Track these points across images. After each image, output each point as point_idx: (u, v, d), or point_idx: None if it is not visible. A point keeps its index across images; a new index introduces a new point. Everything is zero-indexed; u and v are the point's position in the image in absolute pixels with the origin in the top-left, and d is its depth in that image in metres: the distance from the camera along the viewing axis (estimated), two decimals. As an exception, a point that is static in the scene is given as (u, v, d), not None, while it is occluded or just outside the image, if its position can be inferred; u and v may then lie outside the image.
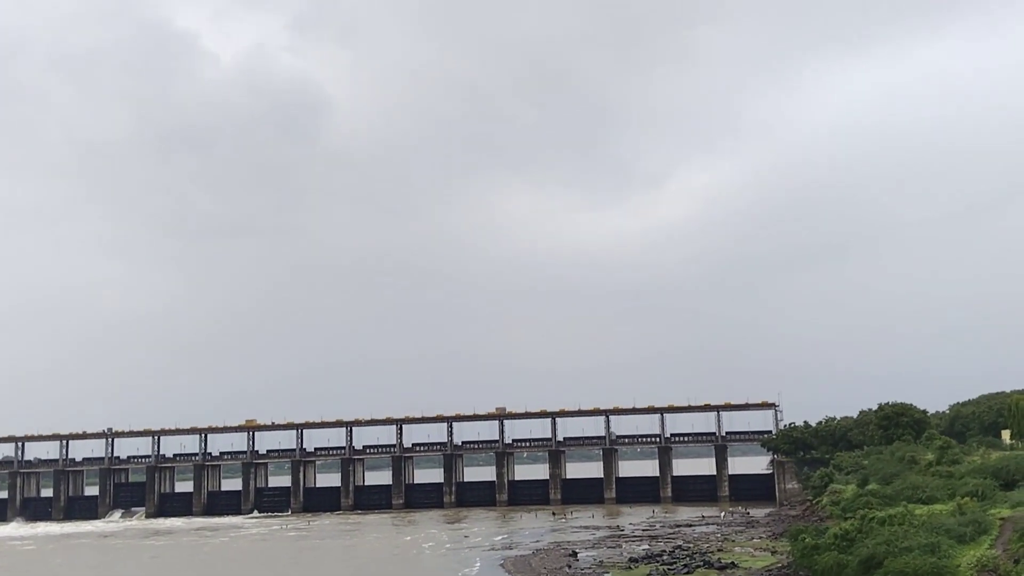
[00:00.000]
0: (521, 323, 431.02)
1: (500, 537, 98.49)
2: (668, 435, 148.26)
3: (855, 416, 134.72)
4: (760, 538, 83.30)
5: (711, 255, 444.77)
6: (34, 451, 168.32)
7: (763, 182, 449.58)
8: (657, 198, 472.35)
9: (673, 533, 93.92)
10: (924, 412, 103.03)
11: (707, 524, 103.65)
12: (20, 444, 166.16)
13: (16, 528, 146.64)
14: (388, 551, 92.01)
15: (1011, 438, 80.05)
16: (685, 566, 64.45)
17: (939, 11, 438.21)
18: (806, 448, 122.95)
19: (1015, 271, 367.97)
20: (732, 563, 63.41)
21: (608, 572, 66.16)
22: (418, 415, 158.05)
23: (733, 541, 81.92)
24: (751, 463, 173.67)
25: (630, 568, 67.33)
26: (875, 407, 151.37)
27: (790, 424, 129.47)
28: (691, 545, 79.49)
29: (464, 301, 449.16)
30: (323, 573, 78.20)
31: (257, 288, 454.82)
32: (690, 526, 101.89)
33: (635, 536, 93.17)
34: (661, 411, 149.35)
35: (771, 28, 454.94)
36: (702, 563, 65.42)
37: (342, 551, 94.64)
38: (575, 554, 78.11)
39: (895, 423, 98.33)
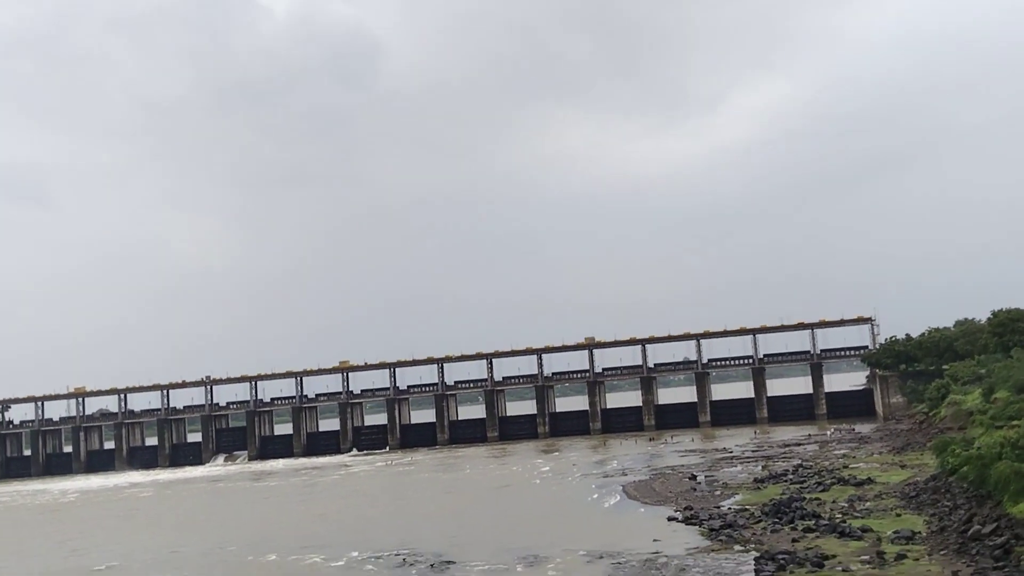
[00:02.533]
0: (589, 258, 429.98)
1: (612, 464, 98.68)
2: (761, 356, 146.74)
3: (950, 327, 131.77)
4: (879, 453, 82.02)
5: (774, 176, 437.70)
6: (135, 402, 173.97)
7: (821, 98, 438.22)
8: (714, 121, 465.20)
9: (785, 453, 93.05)
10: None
11: (815, 442, 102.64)
12: (123, 396, 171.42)
13: (129, 476, 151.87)
14: (503, 481, 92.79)
15: None
16: (818, 483, 63.62)
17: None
18: (909, 361, 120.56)
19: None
20: (869, 479, 62.35)
21: (737, 493, 65.61)
22: (507, 349, 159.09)
23: (853, 457, 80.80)
24: (844, 380, 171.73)
25: (759, 488, 66.68)
26: (963, 318, 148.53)
27: (891, 338, 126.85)
28: (811, 463, 78.58)
29: (526, 238, 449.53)
30: (457, 502, 79.09)
31: (319, 234, 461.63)
32: (799, 444, 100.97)
33: (746, 457, 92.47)
34: (753, 332, 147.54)
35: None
36: (833, 480, 64.47)
37: (462, 482, 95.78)
38: (694, 477, 77.79)
39: (1011, 329, 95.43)
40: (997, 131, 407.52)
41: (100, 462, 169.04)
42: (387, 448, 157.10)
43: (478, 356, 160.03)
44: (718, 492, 67.56)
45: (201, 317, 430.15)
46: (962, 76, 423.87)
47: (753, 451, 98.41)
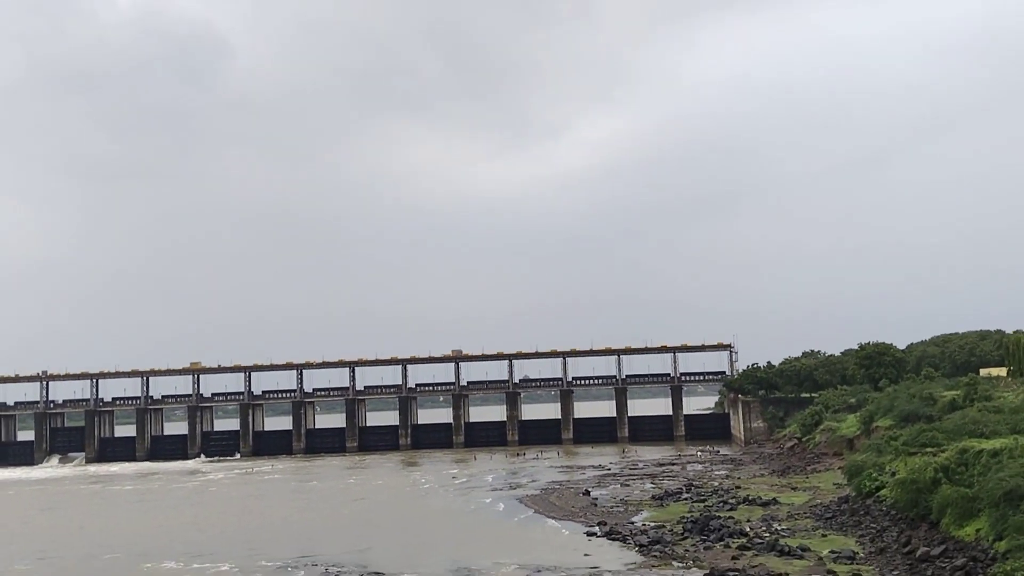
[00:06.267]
0: (429, 272, 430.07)
1: (487, 477, 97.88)
2: (624, 376, 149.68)
3: (799, 358, 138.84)
4: (761, 475, 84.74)
5: (609, 204, 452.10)
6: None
7: (660, 133, 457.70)
8: (555, 149, 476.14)
9: (664, 471, 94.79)
10: (903, 352, 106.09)
11: (685, 462, 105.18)
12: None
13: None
14: (385, 492, 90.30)
15: (1010, 376, 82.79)
16: (723, 502, 64.92)
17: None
18: (769, 387, 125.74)
19: (892, 223, 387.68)
20: (774, 499, 64.13)
21: (642, 509, 66.14)
22: (372, 357, 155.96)
23: (737, 478, 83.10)
24: (693, 403, 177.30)
25: (662, 505, 67.49)
26: (810, 350, 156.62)
27: (752, 365, 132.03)
28: (700, 483, 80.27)
29: (367, 249, 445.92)
30: (337, 516, 75.89)
31: (161, 232, 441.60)
32: (672, 464, 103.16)
33: (626, 475, 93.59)
34: (618, 352, 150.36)
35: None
36: (736, 500, 65.92)
37: (336, 492, 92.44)
38: (588, 492, 78.02)
39: (877, 362, 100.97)
40: (819, 182, 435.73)
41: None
42: (238, 455, 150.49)
43: (340, 364, 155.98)
44: (620, 508, 67.89)
45: (38, 311, 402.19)
46: (789, 127, 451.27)
47: (631, 469, 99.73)
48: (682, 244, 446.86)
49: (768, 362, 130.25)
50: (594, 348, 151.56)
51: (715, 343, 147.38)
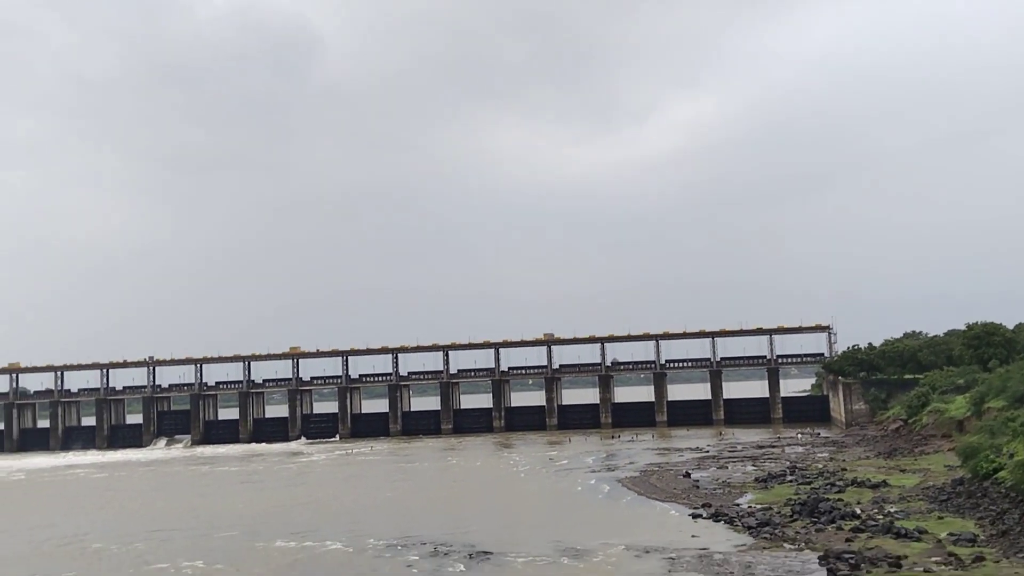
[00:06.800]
0: (520, 256, 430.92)
1: (590, 459, 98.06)
2: (719, 359, 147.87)
3: (900, 339, 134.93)
4: (866, 457, 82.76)
5: (699, 186, 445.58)
6: (72, 381, 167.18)
7: (749, 113, 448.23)
8: (642, 132, 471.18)
9: (764, 454, 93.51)
10: (1014, 332, 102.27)
11: (786, 444, 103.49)
12: (59, 373, 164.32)
13: (64, 458, 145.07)
14: (487, 473, 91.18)
15: None
16: (830, 484, 63.66)
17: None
18: (871, 369, 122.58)
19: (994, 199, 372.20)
20: (884, 481, 62.58)
21: (747, 492, 65.34)
22: (463, 341, 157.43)
23: (842, 460, 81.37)
24: (791, 387, 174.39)
25: (767, 487, 66.57)
26: (911, 331, 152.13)
27: (852, 346, 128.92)
28: (803, 465, 78.87)
29: (458, 234, 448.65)
30: (448, 494, 76.90)
31: (253, 219, 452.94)
32: (772, 447, 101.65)
33: (726, 457, 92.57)
34: (712, 335, 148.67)
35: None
36: (844, 482, 64.50)
37: (435, 473, 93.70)
38: (688, 475, 77.43)
39: (986, 342, 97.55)
40: (916, 158, 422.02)
41: (33, 441, 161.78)
42: (337, 437, 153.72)
43: (434, 348, 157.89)
44: (723, 491, 67.19)
45: (141, 298, 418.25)
46: (883, 103, 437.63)
47: (729, 452, 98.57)
48: (775, 224, 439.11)
49: (869, 343, 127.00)
50: (687, 331, 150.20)
51: (812, 324, 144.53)
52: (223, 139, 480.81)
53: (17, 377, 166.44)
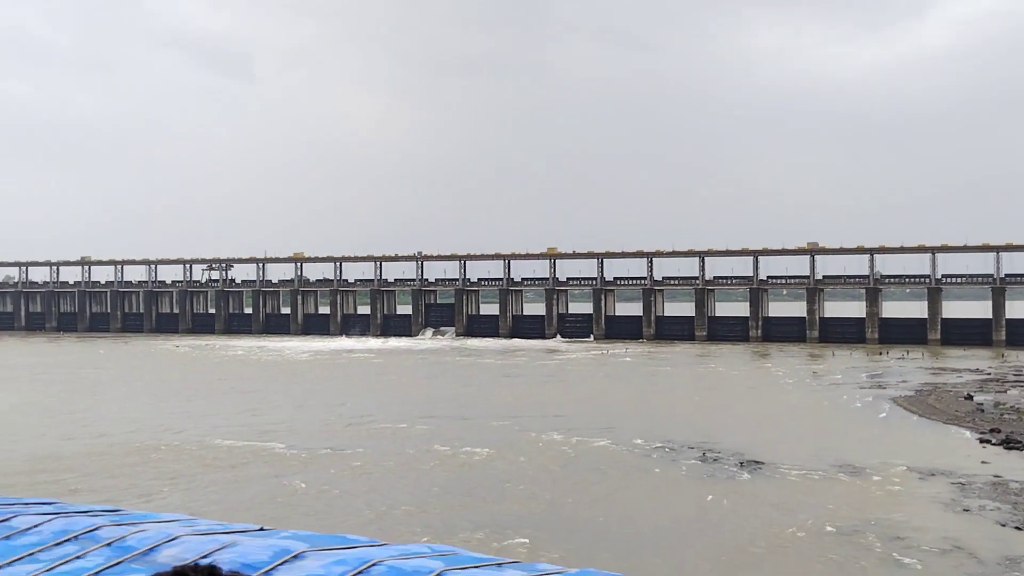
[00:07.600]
0: (783, 159, 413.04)
1: (861, 375, 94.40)
2: (1003, 275, 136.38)
3: None
4: None
5: (982, 88, 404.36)
6: (349, 271, 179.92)
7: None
8: (919, 28, 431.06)
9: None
10: None
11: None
12: (338, 264, 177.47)
13: (341, 342, 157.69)
14: (747, 383, 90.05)
15: None
16: None
17: None
18: None
19: None
20: None
21: (1042, 420, 60.51)
22: (721, 248, 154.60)
23: None
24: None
25: (1067, 417, 61.36)
26: None
27: None
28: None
29: (714, 136, 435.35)
30: (695, 402, 76.92)
31: (508, 120, 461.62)
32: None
33: (1014, 380, 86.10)
34: (996, 249, 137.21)
35: None
36: None
37: (691, 379, 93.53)
38: (971, 397, 72.73)
39: None
40: None
41: (315, 326, 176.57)
42: (591, 337, 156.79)
43: (690, 253, 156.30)
44: (1013, 416, 62.62)
45: (406, 197, 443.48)
46: None
47: (1015, 375, 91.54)
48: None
49: None
50: (968, 244, 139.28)
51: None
52: (481, 40, 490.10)
53: (301, 266, 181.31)
